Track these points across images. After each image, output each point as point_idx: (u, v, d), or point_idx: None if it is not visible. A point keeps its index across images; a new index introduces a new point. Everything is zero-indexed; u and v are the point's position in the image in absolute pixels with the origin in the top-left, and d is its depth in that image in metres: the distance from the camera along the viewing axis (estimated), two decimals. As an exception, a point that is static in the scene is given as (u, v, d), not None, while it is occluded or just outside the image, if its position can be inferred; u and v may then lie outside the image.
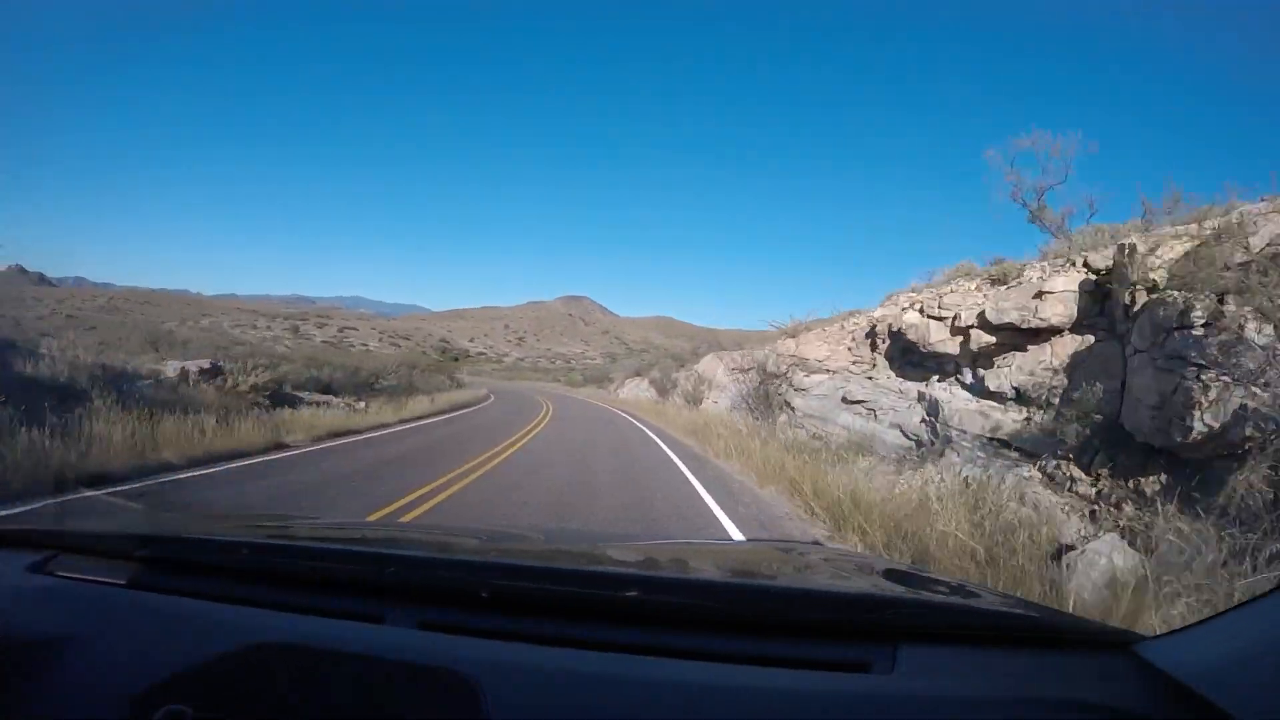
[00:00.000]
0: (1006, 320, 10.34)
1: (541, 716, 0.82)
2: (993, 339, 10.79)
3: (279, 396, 12.83)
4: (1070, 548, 4.48)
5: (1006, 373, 10.33)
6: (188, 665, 0.89)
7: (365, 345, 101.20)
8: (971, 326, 11.19)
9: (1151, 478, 6.78)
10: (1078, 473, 7.79)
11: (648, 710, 0.82)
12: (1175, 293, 6.99)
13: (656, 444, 12.99)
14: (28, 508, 4.83)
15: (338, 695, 0.85)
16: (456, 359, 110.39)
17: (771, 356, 16.01)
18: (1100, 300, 9.55)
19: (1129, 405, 7.46)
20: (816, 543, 4.06)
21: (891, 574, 1.47)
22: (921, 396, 11.98)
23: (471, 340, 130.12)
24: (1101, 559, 3.95)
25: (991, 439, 9.49)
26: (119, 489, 5.84)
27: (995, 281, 12.10)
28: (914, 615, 1.06)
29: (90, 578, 1.17)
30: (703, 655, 0.92)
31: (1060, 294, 9.88)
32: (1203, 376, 6.10)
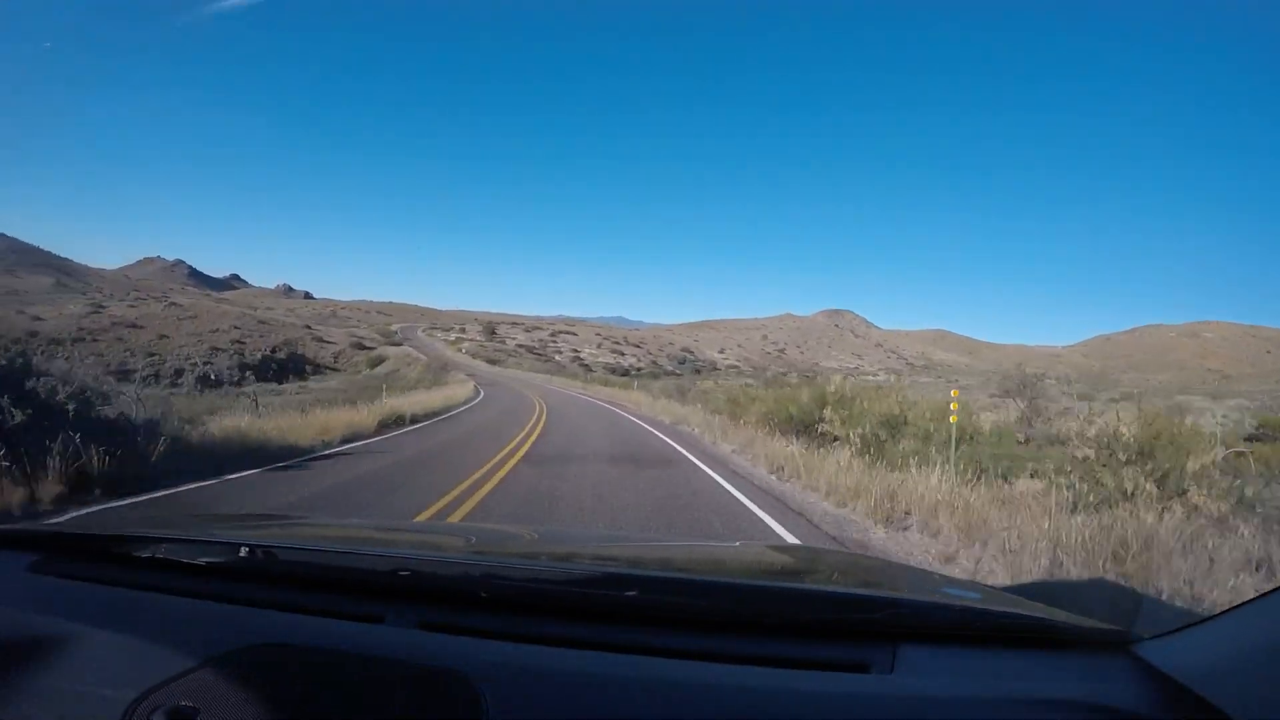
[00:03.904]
0: None
1: (541, 716, 0.83)
2: None
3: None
4: None
5: None
6: (188, 665, 0.89)
7: (576, 351, 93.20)
8: None
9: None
10: None
11: (648, 710, 0.82)
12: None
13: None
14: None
15: (338, 696, 0.85)
16: (699, 370, 78.53)
17: None
18: None
19: None
20: (816, 544, 4.36)
21: (891, 574, 1.51)
22: None
23: (721, 351, 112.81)
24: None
25: None
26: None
27: None
28: (913, 615, 1.05)
29: (90, 578, 1.17)
30: (703, 656, 0.92)
31: None
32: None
